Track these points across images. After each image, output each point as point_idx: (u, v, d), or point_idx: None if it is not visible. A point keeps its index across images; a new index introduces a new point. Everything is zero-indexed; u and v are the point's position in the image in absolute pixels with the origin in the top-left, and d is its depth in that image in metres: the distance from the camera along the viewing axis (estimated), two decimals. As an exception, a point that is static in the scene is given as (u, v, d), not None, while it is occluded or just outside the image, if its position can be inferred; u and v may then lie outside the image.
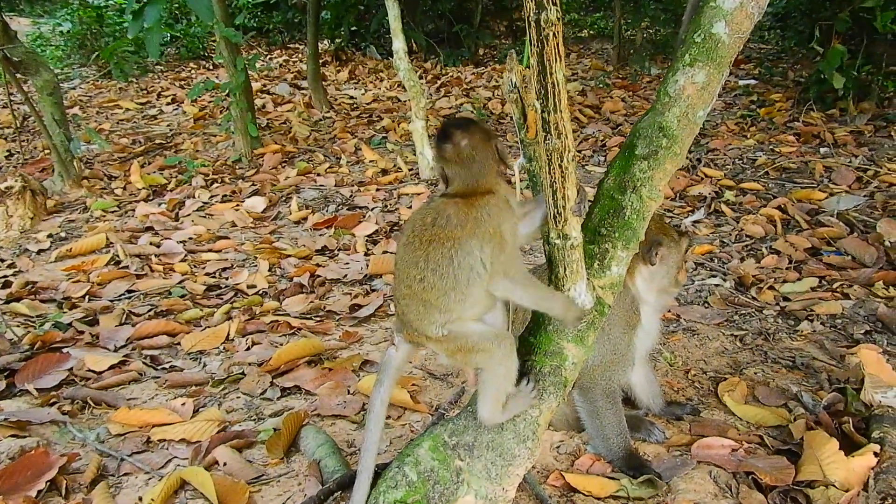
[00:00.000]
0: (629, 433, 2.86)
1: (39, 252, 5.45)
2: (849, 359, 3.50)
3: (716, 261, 4.84)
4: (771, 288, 4.40)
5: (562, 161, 1.77)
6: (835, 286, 4.34)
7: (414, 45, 11.72)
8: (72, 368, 3.60)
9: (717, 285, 4.51)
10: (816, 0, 8.17)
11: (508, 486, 2.10)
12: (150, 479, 2.77)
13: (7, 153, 8.22)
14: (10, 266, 5.14)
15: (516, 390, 2.11)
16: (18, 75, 6.71)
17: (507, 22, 13.16)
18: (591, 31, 14.07)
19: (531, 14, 1.58)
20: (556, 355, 2.12)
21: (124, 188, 6.93)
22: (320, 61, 11.21)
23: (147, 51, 4.18)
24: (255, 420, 3.19)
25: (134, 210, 6.27)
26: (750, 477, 2.66)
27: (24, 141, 8.49)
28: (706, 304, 4.30)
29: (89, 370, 3.61)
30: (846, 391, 3.13)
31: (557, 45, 1.60)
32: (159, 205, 6.41)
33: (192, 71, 12.75)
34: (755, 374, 3.50)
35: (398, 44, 6.57)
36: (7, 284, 4.72)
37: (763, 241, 5.07)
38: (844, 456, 2.61)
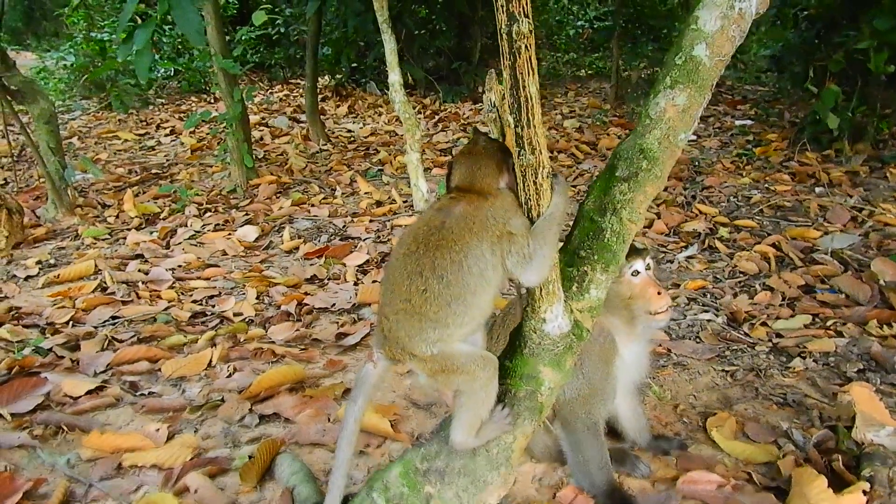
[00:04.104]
0: (613, 467, 2.78)
1: (27, 278, 5.40)
2: (841, 397, 3.41)
3: (708, 296, 4.79)
4: (763, 324, 4.33)
5: (536, 178, 1.73)
6: (828, 324, 4.28)
7: (412, 80, 11.81)
8: (48, 393, 3.53)
9: (709, 320, 4.45)
10: (811, 42, 8.24)
11: (480, 516, 2.03)
12: (118, 505, 2.69)
13: (3, 181, 8.23)
14: (-3, 291, 5.09)
15: (490, 415, 2.04)
16: (16, 105, 6.75)
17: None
18: (590, 71, 14.22)
19: (503, 26, 1.57)
20: (532, 379, 2.06)
21: (117, 216, 6.91)
22: (321, 96, 11.30)
23: (136, 74, 4.18)
24: (231, 447, 3.11)
25: (125, 238, 6.23)
26: (736, 514, 2.59)
27: (20, 170, 8.51)
28: (698, 339, 4.24)
29: (66, 395, 3.54)
30: (837, 429, 3.06)
31: (530, 57, 1.58)
32: (151, 233, 6.39)
33: (193, 104, 12.85)
34: (745, 410, 3.42)
35: (394, 76, 6.60)
36: (-11, 309, 4.67)
37: (756, 278, 5.02)
38: (833, 494, 2.53)
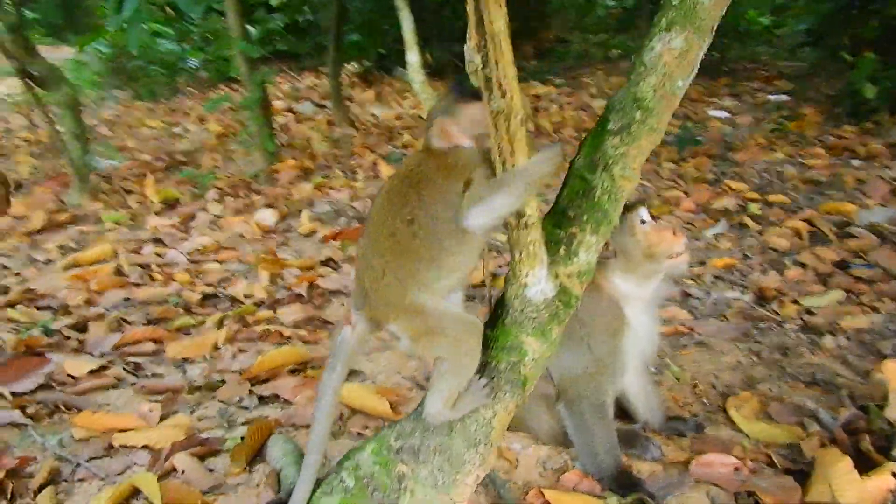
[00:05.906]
0: (623, 449, 2.62)
1: (47, 262, 5.41)
2: (874, 375, 3.19)
3: (736, 273, 4.57)
4: (794, 301, 4.10)
5: (509, 125, 1.57)
6: (863, 299, 4.03)
7: (435, 62, 11.64)
8: (51, 373, 3.48)
9: (735, 298, 4.23)
10: (846, 12, 7.85)
11: (457, 497, 1.87)
12: (104, 485, 2.61)
13: (34, 168, 8.32)
14: (17, 275, 5.10)
15: (468, 385, 1.89)
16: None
17: (534, 42, 13.01)
18: (620, 51, 13.90)
19: (462, -48, 1.41)
20: (515, 350, 1.90)
21: (140, 202, 6.91)
22: (349, 83, 11.17)
23: (127, 43, 4.10)
24: (226, 428, 3.02)
25: (145, 222, 6.22)
26: (752, 498, 2.40)
27: (49, 157, 8.59)
28: (723, 318, 4.03)
29: (68, 375, 3.49)
30: (869, 408, 2.84)
31: (494, -12, 1.42)
32: (171, 218, 6.36)
33: (222, 92, 12.87)
34: (769, 389, 3.22)
35: (412, 56, 6.48)
36: (5, 291, 4.67)
37: (787, 254, 4.77)
38: (859, 476, 2.33)
